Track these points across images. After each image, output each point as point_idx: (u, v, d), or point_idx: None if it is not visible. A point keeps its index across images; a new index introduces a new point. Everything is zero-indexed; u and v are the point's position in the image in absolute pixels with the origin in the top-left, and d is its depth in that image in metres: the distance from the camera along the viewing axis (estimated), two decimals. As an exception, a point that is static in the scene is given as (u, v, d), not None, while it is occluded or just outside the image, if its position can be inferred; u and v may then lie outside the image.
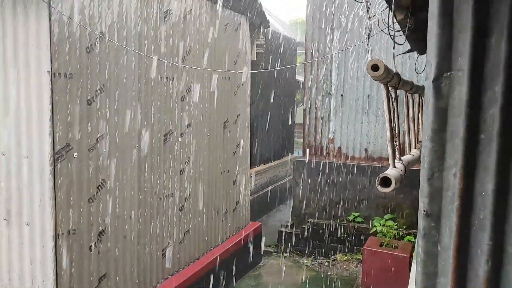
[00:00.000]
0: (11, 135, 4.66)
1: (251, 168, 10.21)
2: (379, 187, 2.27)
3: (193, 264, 7.19)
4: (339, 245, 9.64)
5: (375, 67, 2.19)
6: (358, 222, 9.60)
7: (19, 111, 4.61)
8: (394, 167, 2.53)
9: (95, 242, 5.23)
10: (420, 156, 2.66)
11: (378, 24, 3.89)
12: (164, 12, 6.15)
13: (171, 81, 6.39)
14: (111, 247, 5.48)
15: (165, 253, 6.52)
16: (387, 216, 9.14)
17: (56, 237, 4.72)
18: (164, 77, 6.24)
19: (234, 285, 8.28)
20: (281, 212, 13.23)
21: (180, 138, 6.69)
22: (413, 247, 7.76)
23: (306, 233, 9.89)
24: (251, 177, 10.06)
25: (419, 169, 1.79)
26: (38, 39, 4.46)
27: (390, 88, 2.70)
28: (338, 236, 9.65)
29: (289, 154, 15.28)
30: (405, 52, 5.52)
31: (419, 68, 6.31)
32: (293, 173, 10.43)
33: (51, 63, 4.47)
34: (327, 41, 9.93)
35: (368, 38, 3.28)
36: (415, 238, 7.93)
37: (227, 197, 8.25)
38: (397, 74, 2.65)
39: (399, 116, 3.17)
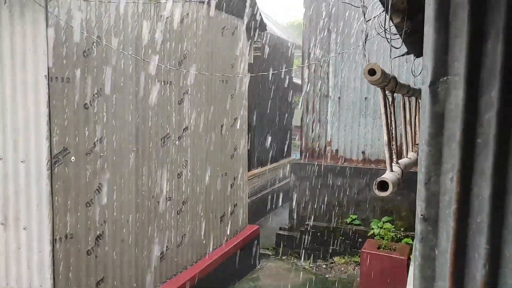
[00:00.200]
0: (8, 139, 4.65)
1: (248, 170, 10.21)
2: (376, 191, 2.27)
3: (191, 267, 7.17)
4: (337, 248, 9.64)
5: (372, 72, 2.20)
6: (356, 225, 9.61)
7: (16, 115, 4.60)
8: (392, 170, 2.53)
9: (93, 246, 5.22)
10: (417, 159, 2.67)
11: (375, 28, 3.90)
12: (161, 16, 6.15)
13: (168, 85, 6.39)
14: (108, 251, 5.47)
15: (163, 256, 6.50)
16: (384, 219, 9.15)
17: (53, 241, 4.71)
18: (161, 81, 6.24)
19: (232, 288, 8.27)
20: (279, 215, 13.22)
21: (177, 142, 6.68)
22: (411, 249, 7.76)
23: (304, 236, 9.89)
24: (248, 179, 10.05)
25: (417, 171, 1.80)
26: (35, 44, 4.46)
27: (387, 91, 2.70)
28: (336, 238, 9.65)
29: (287, 156, 15.29)
30: (401, 55, 5.53)
31: (416, 71, 6.33)
32: (291, 176, 10.43)
33: (48, 67, 4.47)
34: (324, 44, 9.95)
35: (365, 42, 3.29)
36: (412, 240, 7.94)
37: (224, 200, 8.25)
38: (394, 78, 2.66)
39: (396, 119, 3.18)
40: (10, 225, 4.78)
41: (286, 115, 14.85)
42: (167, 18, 6.27)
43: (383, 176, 2.32)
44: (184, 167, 6.88)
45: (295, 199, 10.21)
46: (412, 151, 3.99)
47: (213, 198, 7.80)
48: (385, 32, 3.16)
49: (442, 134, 1.68)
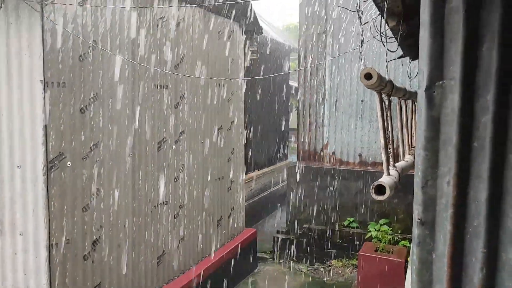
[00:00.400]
0: (3, 144, 4.63)
1: (245, 174, 10.20)
2: (373, 195, 2.27)
3: (188, 271, 7.15)
4: (335, 251, 9.63)
5: (368, 76, 2.20)
6: (353, 227, 9.61)
7: (12, 120, 4.58)
8: (389, 174, 2.54)
9: (89, 251, 5.20)
10: (414, 162, 2.67)
11: (371, 31, 3.92)
12: (157, 20, 6.15)
13: (164, 89, 6.39)
14: (105, 256, 5.45)
15: (160, 261, 6.48)
16: (382, 221, 9.15)
17: (49, 246, 4.69)
18: (157, 85, 6.24)
19: (229, 292, 8.24)
20: (276, 218, 13.22)
21: (174, 146, 6.68)
22: (408, 252, 7.77)
23: (301, 239, 9.88)
24: (245, 183, 10.05)
25: (413, 174, 1.80)
26: (31, 48, 4.45)
27: (383, 95, 2.71)
28: (334, 241, 9.65)
29: (284, 159, 15.29)
30: (397, 58, 5.55)
31: (412, 74, 6.35)
32: (288, 179, 10.43)
33: (43, 72, 4.46)
34: (320, 47, 9.97)
35: (361, 46, 3.30)
36: (410, 242, 7.94)
37: (221, 204, 8.24)
38: (390, 82, 2.66)
39: (392, 122, 3.19)
40: (6, 230, 4.76)
41: (283, 118, 14.87)
42: (163, 22, 6.27)
43: (380, 180, 2.32)
44: (180, 171, 6.87)
45: (292, 202, 10.20)
46: (409, 154, 4.00)
47: (210, 202, 7.79)
48: (380, 36, 3.17)
49: (438, 138, 1.69)
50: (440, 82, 1.67)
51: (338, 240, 9.61)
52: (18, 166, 4.63)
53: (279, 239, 10.11)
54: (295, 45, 14.84)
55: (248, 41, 9.04)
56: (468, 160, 1.65)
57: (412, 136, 4.37)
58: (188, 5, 6.73)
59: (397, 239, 8.78)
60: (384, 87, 2.52)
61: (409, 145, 4.03)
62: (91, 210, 5.18)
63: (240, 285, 8.68)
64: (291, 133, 17.23)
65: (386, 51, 2.94)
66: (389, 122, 2.86)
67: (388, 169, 2.57)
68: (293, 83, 16.33)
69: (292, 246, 9.95)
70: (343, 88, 9.81)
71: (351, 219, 9.65)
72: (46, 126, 4.54)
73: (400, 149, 3.83)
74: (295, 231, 10.02)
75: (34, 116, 4.52)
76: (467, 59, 1.63)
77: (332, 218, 9.79)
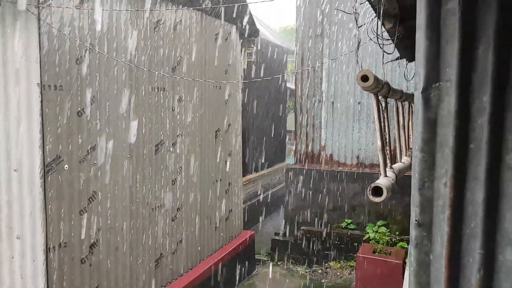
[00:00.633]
0: (0, 147, 4.61)
1: (243, 176, 10.20)
2: (370, 197, 2.28)
3: (186, 274, 7.14)
4: (333, 252, 9.63)
5: (364, 78, 2.21)
6: (351, 229, 9.61)
7: (9, 123, 4.56)
8: (386, 176, 2.54)
9: (87, 255, 5.18)
10: (411, 163, 2.68)
11: (367, 33, 3.93)
12: (154, 22, 6.16)
13: (162, 91, 6.38)
14: (103, 259, 5.43)
15: (158, 264, 6.47)
16: (379, 223, 9.16)
17: (47, 250, 4.67)
18: (155, 88, 6.23)
19: (228, 295, 8.23)
20: (274, 220, 13.21)
21: (171, 148, 6.67)
22: (406, 253, 7.78)
23: (299, 241, 9.88)
24: (243, 185, 10.04)
25: (411, 175, 1.81)
26: (28, 52, 4.44)
27: (380, 97, 2.72)
28: (332, 243, 9.65)
29: (282, 161, 15.29)
30: (394, 60, 5.57)
31: (409, 75, 6.37)
32: (286, 181, 10.43)
33: (40, 75, 4.45)
34: (317, 49, 9.99)
35: (358, 48, 3.31)
36: (407, 244, 7.95)
37: (219, 206, 8.22)
38: (387, 84, 2.67)
39: (389, 124, 3.20)
40: (3, 234, 4.73)
41: (280, 120, 14.87)
42: (160, 25, 6.27)
43: (377, 181, 2.33)
44: (178, 173, 6.87)
45: (290, 204, 10.21)
46: (406, 155, 4.01)
47: (207, 204, 7.78)
48: (377, 38, 3.18)
49: (435, 139, 1.69)
50: (437, 84, 1.67)
51: (336, 242, 9.61)
52: (15, 170, 4.61)
53: (277, 241, 10.11)
54: (292, 47, 14.86)
55: (245, 44, 9.05)
56: (464, 162, 1.65)
57: (409, 138, 4.38)
58: (185, 7, 6.73)
59: (395, 241, 8.78)
60: (381, 89, 2.53)
61: (406, 147, 4.04)
62: (89, 213, 5.17)
63: (238, 287, 8.68)
64: (289, 135, 17.25)
65: (383, 53, 2.95)
66: (386, 124, 2.87)
67: (385, 170, 2.57)
68: (291, 85, 16.35)
69: (290, 248, 9.95)
70: (340, 90, 9.83)
71: (349, 221, 9.65)
72: (43, 129, 4.53)
73: (397, 151, 3.83)
74: (293, 233, 10.02)
75: (31, 119, 4.50)
76: (463, 60, 1.63)
77: (330, 219, 9.79)
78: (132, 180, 5.87)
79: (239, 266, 8.66)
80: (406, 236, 8.69)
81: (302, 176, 10.02)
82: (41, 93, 4.48)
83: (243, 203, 9.82)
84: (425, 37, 1.68)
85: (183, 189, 7.03)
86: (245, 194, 11.54)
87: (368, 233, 8.82)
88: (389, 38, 3.83)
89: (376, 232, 8.74)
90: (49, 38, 4.53)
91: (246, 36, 8.96)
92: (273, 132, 13.98)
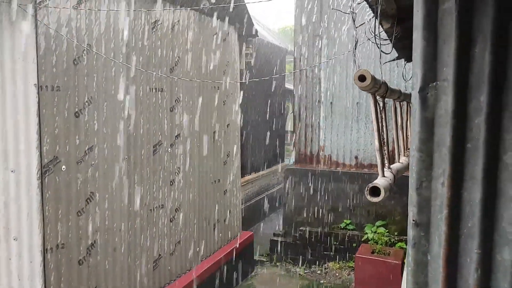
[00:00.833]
0: (-3, 149, 4.60)
1: (242, 177, 10.19)
2: (368, 197, 2.27)
3: (185, 275, 7.12)
4: (332, 253, 9.63)
5: (362, 78, 2.20)
6: (350, 230, 9.61)
7: (6, 124, 4.55)
8: (383, 176, 2.54)
9: (85, 256, 5.16)
10: (409, 163, 2.67)
11: (365, 33, 3.92)
12: (152, 23, 6.15)
13: (160, 92, 6.37)
14: (100, 260, 5.42)
15: (156, 265, 6.45)
16: (378, 223, 9.16)
17: (44, 251, 4.66)
18: (152, 88, 6.22)
19: (226, 295, 8.22)
20: (273, 220, 13.20)
21: (169, 149, 6.66)
22: (405, 253, 7.77)
23: (298, 242, 9.87)
24: (242, 186, 10.03)
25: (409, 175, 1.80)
26: (25, 52, 4.42)
27: (377, 97, 2.71)
28: (330, 244, 9.64)
29: (280, 162, 15.29)
30: (392, 60, 5.57)
31: (407, 75, 6.37)
32: (284, 181, 10.42)
33: (37, 76, 4.44)
34: (316, 50, 9.99)
35: (355, 48, 3.31)
36: (406, 244, 7.94)
37: (218, 207, 8.21)
38: (385, 84, 2.67)
39: (387, 124, 3.19)
40: (0, 235, 4.72)
41: (279, 120, 14.87)
42: (158, 25, 6.26)
43: (374, 182, 2.32)
44: (176, 174, 6.85)
45: (288, 205, 10.20)
46: (404, 155, 4.00)
47: (206, 205, 7.77)
48: (375, 38, 3.18)
49: (432, 139, 1.69)
50: (434, 83, 1.67)
51: (335, 242, 9.61)
52: (12, 171, 4.60)
53: (276, 242, 10.10)
54: (291, 47, 14.86)
55: (243, 44, 9.05)
56: (462, 162, 1.65)
57: (408, 138, 4.38)
58: (183, 8, 6.72)
59: (393, 241, 8.78)
60: (379, 89, 2.52)
61: (404, 147, 4.04)
62: (86, 214, 5.15)
63: (237, 289, 8.66)
64: (288, 136, 17.25)
65: (380, 53, 2.95)
66: (384, 124, 2.87)
67: (383, 171, 2.57)
68: (289, 86, 16.35)
69: (289, 249, 9.94)
70: (338, 90, 9.83)
71: (348, 221, 9.65)
72: (40, 130, 4.51)
73: (396, 151, 3.83)
74: (292, 234, 10.01)
75: (28, 120, 4.49)
76: (460, 60, 1.63)
77: (329, 220, 9.79)
78: (130, 181, 5.86)
79: (238, 267, 8.65)
80: (405, 237, 8.69)
81: (301, 177, 10.02)
82: (38, 93, 4.46)
83: (242, 204, 9.81)
84: (422, 37, 1.68)
85: (181, 190, 7.02)
86: (244, 195, 11.53)
87: (367, 233, 8.82)
88: (387, 38, 3.83)
89: (375, 232, 8.74)
90: (46, 38, 4.52)
91: (244, 36, 8.95)
92: (272, 133, 13.98)
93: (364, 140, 9.66)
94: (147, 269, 6.25)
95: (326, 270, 9.45)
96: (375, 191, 2.27)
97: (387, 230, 8.93)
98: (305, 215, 9.98)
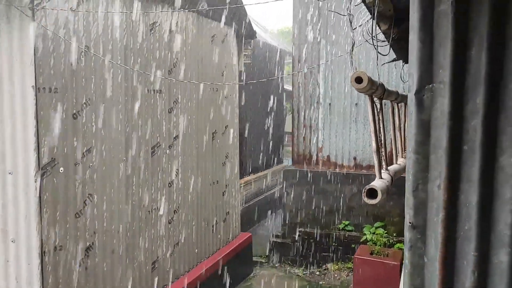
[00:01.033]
0: (-5, 151, 4.59)
1: (240, 178, 10.18)
2: (365, 199, 2.27)
3: (183, 277, 7.11)
4: (330, 254, 9.62)
5: (358, 80, 2.20)
6: (349, 231, 9.60)
7: (3, 126, 4.55)
8: (381, 177, 2.53)
9: (83, 258, 5.15)
10: (406, 165, 2.67)
11: (363, 35, 3.92)
12: (150, 24, 6.14)
13: (158, 94, 6.37)
14: (99, 262, 5.40)
15: (155, 266, 6.44)
16: (377, 224, 9.15)
17: (42, 254, 4.64)
18: (151, 90, 6.22)
19: (225, 297, 8.21)
20: (272, 222, 13.19)
21: (168, 150, 6.65)
22: (403, 255, 7.76)
23: (297, 243, 9.86)
24: (241, 187, 10.02)
25: (407, 177, 1.80)
26: (22, 54, 4.42)
27: (375, 98, 2.71)
28: (329, 245, 9.63)
29: (279, 163, 15.28)
30: (391, 61, 5.57)
31: (405, 77, 6.36)
32: (283, 183, 10.42)
33: (35, 78, 4.43)
34: (314, 51, 9.99)
35: (352, 50, 3.31)
36: (405, 245, 7.94)
37: (216, 209, 8.21)
38: (382, 85, 2.67)
39: (385, 125, 3.19)
40: (-2, 237, 4.71)
41: (278, 121, 14.87)
42: (156, 27, 6.26)
43: (371, 184, 2.32)
44: (175, 175, 6.85)
45: (287, 206, 10.19)
46: (402, 157, 4.00)
47: (204, 207, 7.76)
48: (372, 39, 3.18)
49: (428, 141, 1.69)
50: (430, 85, 1.67)
51: (333, 244, 9.60)
52: (9, 173, 4.59)
53: (275, 243, 10.09)
54: (290, 48, 14.86)
55: (242, 46, 9.05)
56: (458, 164, 1.65)
57: (405, 139, 4.38)
58: (182, 9, 6.72)
59: (392, 242, 8.78)
60: (376, 91, 2.52)
61: (402, 148, 4.04)
62: (84, 216, 5.14)
63: (236, 290, 8.65)
64: (287, 137, 17.25)
65: (377, 55, 2.95)
66: (382, 126, 2.86)
67: (380, 172, 2.56)
68: (288, 87, 16.35)
69: (288, 250, 9.93)
70: (337, 91, 9.83)
71: (347, 222, 9.64)
72: (38, 132, 4.51)
73: (393, 152, 3.83)
74: (291, 235, 10.00)
75: (26, 122, 4.48)
76: (456, 62, 1.63)
77: (328, 221, 9.78)
78: (128, 182, 5.85)
79: (237, 268, 8.64)
80: (403, 238, 8.68)
81: (299, 178, 10.01)
82: (36, 95, 4.46)
83: (241, 205, 9.80)
84: (418, 39, 1.68)
85: (180, 192, 7.01)
86: (243, 196, 11.52)
87: (365, 234, 8.81)
88: (385, 39, 3.83)
89: (374, 233, 8.73)
90: (44, 40, 4.51)
91: (243, 38, 8.95)
92: (270, 134, 13.98)
93: (362, 141, 9.65)
94: (145, 270, 6.24)
95: (325, 271, 9.44)
96: (372, 193, 2.26)
97: (385, 231, 8.92)
98: (304, 216, 9.98)
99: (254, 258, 9.83)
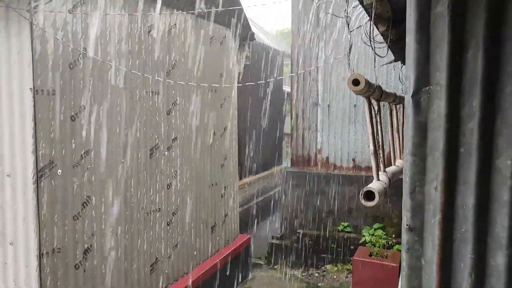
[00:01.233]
0: (-7, 153, 4.58)
1: (239, 179, 10.17)
2: (363, 201, 2.27)
3: (182, 279, 7.10)
4: (330, 256, 9.62)
5: (356, 82, 2.20)
6: (348, 232, 9.60)
7: (1, 128, 4.54)
8: (378, 179, 2.53)
9: (81, 260, 5.14)
10: (404, 167, 2.67)
11: (361, 36, 3.93)
12: (148, 26, 6.14)
13: (156, 95, 6.36)
14: (97, 264, 5.40)
15: (153, 269, 6.43)
16: (376, 226, 9.15)
17: (40, 256, 4.64)
18: (149, 91, 6.22)
19: (224, 299, 8.19)
20: (271, 223, 13.18)
21: (166, 152, 6.65)
22: (403, 256, 7.75)
23: (296, 244, 9.86)
24: (239, 188, 10.02)
25: (405, 179, 1.80)
26: (20, 56, 4.42)
27: (372, 100, 2.71)
28: (328, 246, 9.63)
29: (278, 164, 15.28)
30: (389, 63, 5.57)
31: (404, 78, 6.37)
32: (282, 184, 10.42)
33: (33, 80, 4.43)
34: (313, 52, 10.00)
35: (349, 52, 3.31)
36: (404, 247, 7.93)
37: (215, 210, 8.20)
38: (379, 87, 2.66)
39: (383, 127, 3.19)
40: (-4, 240, 4.70)
41: (277, 123, 14.86)
42: (154, 28, 6.25)
43: (369, 186, 2.32)
44: (173, 177, 6.84)
45: (286, 208, 10.19)
46: (400, 158, 4.00)
47: (203, 208, 7.75)
48: (370, 41, 3.18)
49: (425, 143, 1.69)
50: (427, 87, 1.67)
51: (332, 245, 9.60)
52: (7, 175, 4.58)
53: (274, 245, 10.08)
54: (289, 50, 14.87)
55: (241, 47, 9.05)
56: (455, 166, 1.65)
57: (403, 141, 4.37)
58: (180, 11, 6.72)
59: (391, 244, 8.77)
60: (373, 93, 2.52)
61: (400, 150, 4.03)
62: (83, 218, 5.14)
63: (235, 292, 8.64)
64: (286, 138, 17.23)
65: (374, 56, 2.95)
66: (379, 127, 2.86)
67: (377, 174, 2.56)
68: (287, 88, 16.35)
69: (287, 252, 9.92)
70: (335, 93, 9.84)
71: (346, 224, 9.64)
72: (36, 134, 4.50)
73: (392, 154, 3.83)
74: (290, 237, 10.00)
75: (24, 124, 4.48)
76: (453, 65, 1.63)
77: (327, 223, 9.78)
78: (126, 184, 5.84)
79: (236, 270, 8.63)
80: (402, 239, 8.67)
81: (298, 179, 10.01)
82: (33, 98, 4.45)
83: (239, 207, 9.79)
84: (415, 40, 1.68)
85: (179, 193, 7.00)
86: (241, 198, 11.51)
87: (364, 236, 8.81)
88: (384, 41, 3.83)
89: (373, 235, 8.73)
90: (42, 42, 4.51)
91: (241, 39, 8.95)
92: (269, 135, 13.98)
93: (361, 143, 9.66)
94: (144, 273, 6.23)
95: (324, 273, 9.43)
96: (370, 196, 2.26)
97: (384, 233, 8.92)
98: (302, 218, 9.97)
99: (253, 260, 9.82)
